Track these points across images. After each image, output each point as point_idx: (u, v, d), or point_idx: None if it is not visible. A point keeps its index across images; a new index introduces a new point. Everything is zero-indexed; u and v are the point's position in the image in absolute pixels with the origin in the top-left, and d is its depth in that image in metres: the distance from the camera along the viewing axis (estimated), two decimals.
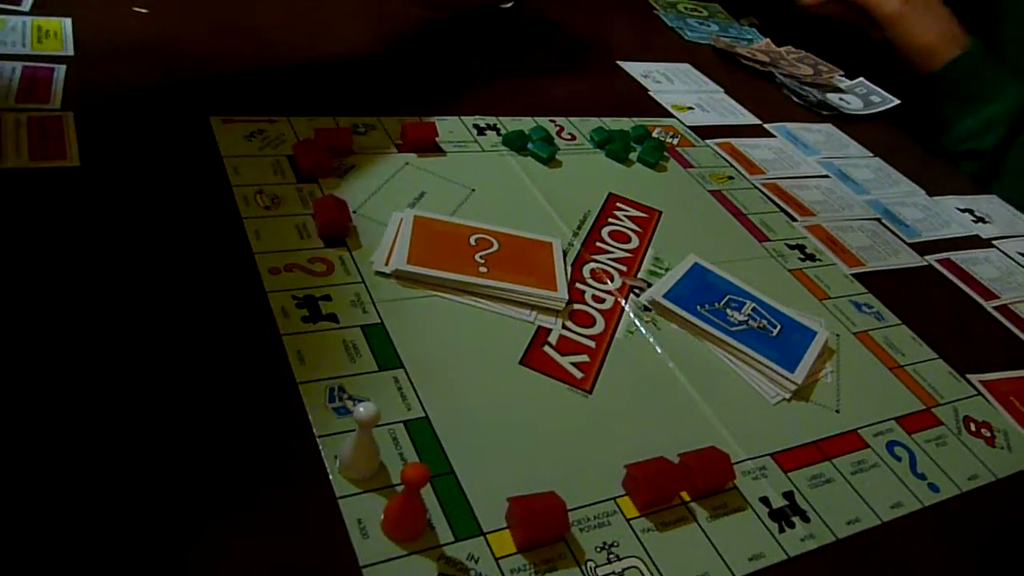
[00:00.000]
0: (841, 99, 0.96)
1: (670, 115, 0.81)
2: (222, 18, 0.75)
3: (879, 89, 0.99)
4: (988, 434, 0.54)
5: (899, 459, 0.49)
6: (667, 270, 0.58)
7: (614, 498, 0.42)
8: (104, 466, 0.37)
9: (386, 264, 0.51)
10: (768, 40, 1.07)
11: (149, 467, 0.37)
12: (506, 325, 0.50)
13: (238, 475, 0.38)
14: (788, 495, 0.45)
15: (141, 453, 0.38)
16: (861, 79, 1.02)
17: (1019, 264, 0.75)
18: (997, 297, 0.69)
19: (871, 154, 0.87)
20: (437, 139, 0.65)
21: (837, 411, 0.51)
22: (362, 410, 0.37)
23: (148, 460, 0.37)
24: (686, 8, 1.12)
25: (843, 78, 1.01)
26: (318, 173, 0.57)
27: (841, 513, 0.45)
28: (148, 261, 0.48)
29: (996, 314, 0.67)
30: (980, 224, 0.80)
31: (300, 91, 0.67)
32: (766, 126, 0.85)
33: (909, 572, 0.44)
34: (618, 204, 0.64)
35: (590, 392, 0.47)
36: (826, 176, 0.79)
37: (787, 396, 0.51)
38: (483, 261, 0.53)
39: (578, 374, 0.48)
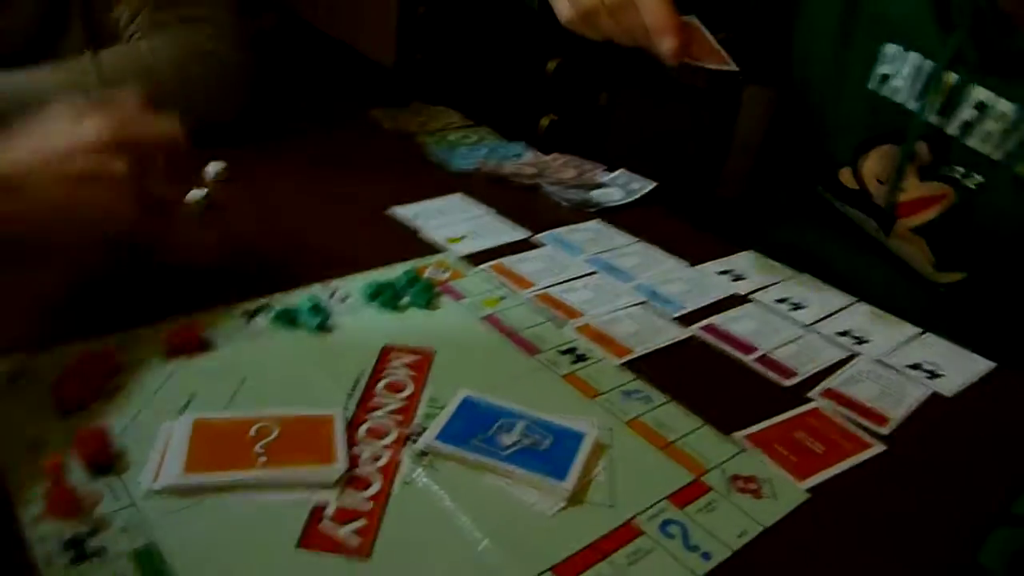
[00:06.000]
0: (604, 193, 1.05)
1: (443, 250, 0.87)
2: None
3: (637, 176, 1.09)
4: (755, 487, 0.59)
5: (672, 537, 0.53)
6: (442, 408, 0.62)
7: None
8: None
9: (155, 480, 0.52)
10: (535, 151, 1.16)
11: None
12: (284, 511, 0.52)
13: None
14: None
15: None
16: (621, 170, 1.11)
17: (775, 312, 0.83)
18: (756, 349, 0.76)
19: (636, 239, 0.94)
20: (203, 335, 0.66)
21: (611, 506, 0.55)
22: None
23: None
24: (455, 137, 1.20)
25: (605, 172, 1.10)
26: (82, 404, 0.58)
27: None
28: None
29: (756, 366, 0.73)
30: (738, 282, 0.88)
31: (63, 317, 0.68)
32: (535, 237, 0.92)
33: None
34: (392, 354, 0.68)
35: (368, 557, 0.49)
36: (594, 273, 0.86)
37: (563, 504, 0.55)
38: (263, 451, 0.55)
39: (355, 542, 0.50)
